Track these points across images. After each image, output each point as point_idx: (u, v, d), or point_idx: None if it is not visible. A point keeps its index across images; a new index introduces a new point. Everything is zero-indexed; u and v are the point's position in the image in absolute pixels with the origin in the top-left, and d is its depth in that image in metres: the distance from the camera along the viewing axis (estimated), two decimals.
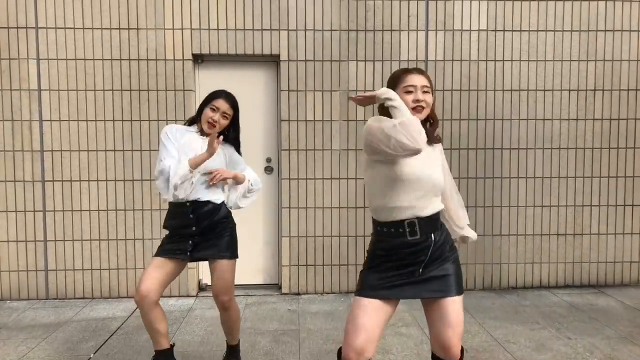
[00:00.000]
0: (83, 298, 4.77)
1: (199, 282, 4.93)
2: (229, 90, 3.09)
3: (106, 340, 3.78)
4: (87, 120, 4.69)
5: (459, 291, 2.23)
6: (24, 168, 4.66)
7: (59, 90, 4.65)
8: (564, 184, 4.96)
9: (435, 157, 2.27)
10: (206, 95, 3.05)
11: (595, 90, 4.92)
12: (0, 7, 4.56)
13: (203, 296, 4.81)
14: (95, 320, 4.22)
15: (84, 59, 4.66)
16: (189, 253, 2.98)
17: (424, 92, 2.19)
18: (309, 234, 4.85)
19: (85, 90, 4.68)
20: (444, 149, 2.59)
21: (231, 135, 3.13)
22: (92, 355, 3.52)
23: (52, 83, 4.64)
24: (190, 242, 2.98)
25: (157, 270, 2.91)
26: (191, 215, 2.97)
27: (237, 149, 3.19)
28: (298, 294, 4.87)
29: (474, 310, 4.36)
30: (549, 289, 4.95)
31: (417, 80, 2.19)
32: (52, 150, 4.67)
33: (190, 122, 3.13)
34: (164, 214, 4.64)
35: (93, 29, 4.64)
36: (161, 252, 2.99)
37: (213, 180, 2.93)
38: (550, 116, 4.91)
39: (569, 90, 4.91)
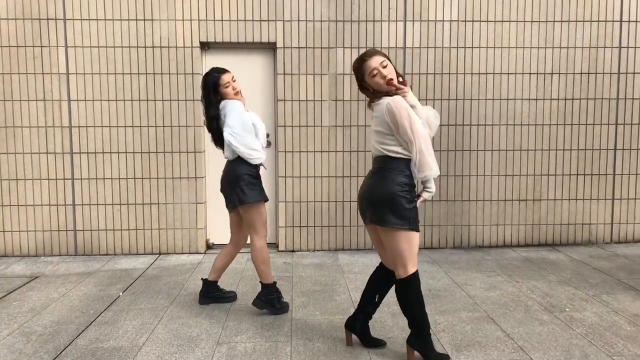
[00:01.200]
0: (107, 254, 5.51)
1: (207, 241, 5.67)
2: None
3: (131, 284, 4.53)
4: (109, 100, 5.39)
5: None
6: (55, 142, 5.37)
7: (85, 74, 5.34)
8: (525, 155, 5.65)
9: None
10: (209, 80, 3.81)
11: (552, 73, 5.59)
12: (33, 1, 5.24)
13: (210, 253, 5.54)
14: (120, 270, 4.97)
15: (106, 47, 5.34)
16: None
17: (384, 66, 2.83)
18: (302, 200, 5.57)
19: (107, 73, 5.36)
20: None
21: None
22: (121, 294, 4.27)
23: (78, 68, 5.33)
24: None
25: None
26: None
27: None
28: (293, 251, 5.60)
29: (442, 262, 5.10)
30: (511, 247, 5.68)
31: (373, 62, 2.83)
32: (79, 126, 5.38)
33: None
34: (176, 182, 5.42)
35: (114, 20, 5.32)
36: (263, 198, 3.83)
37: None
38: (513, 96, 5.58)
39: (530, 74, 5.57)
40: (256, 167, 3.79)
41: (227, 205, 3.86)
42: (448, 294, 4.20)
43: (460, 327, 3.51)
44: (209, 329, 3.53)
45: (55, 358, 3.11)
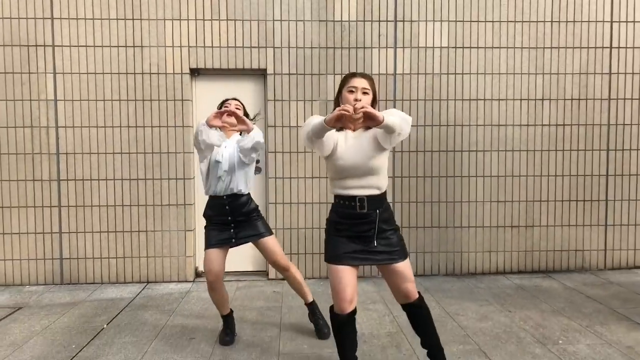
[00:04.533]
0: (93, 283, 5.42)
1: (196, 269, 5.58)
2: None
3: (116, 315, 4.43)
4: (97, 127, 5.34)
5: (404, 257, 2.90)
6: (41, 169, 5.31)
7: (73, 100, 5.31)
8: (517, 181, 5.63)
9: (362, 143, 2.82)
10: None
11: (543, 99, 5.59)
12: (22, 27, 5.22)
13: (199, 281, 5.45)
14: (106, 300, 4.87)
15: (95, 73, 5.31)
16: (234, 240, 3.74)
17: (364, 92, 2.83)
18: (293, 227, 5.51)
19: (96, 100, 5.33)
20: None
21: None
22: (105, 326, 4.17)
23: (66, 94, 5.30)
24: (232, 230, 3.73)
25: (216, 259, 3.67)
26: (227, 207, 3.72)
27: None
28: (283, 279, 5.51)
29: (434, 291, 5.02)
30: (504, 274, 5.61)
31: (358, 82, 2.84)
32: (66, 153, 5.32)
33: None
34: (164, 209, 5.36)
35: (103, 46, 5.30)
36: (214, 244, 3.69)
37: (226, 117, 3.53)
38: (504, 122, 5.57)
39: (520, 100, 5.57)
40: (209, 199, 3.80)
41: None
42: (439, 325, 4.09)
43: None
44: None
45: None
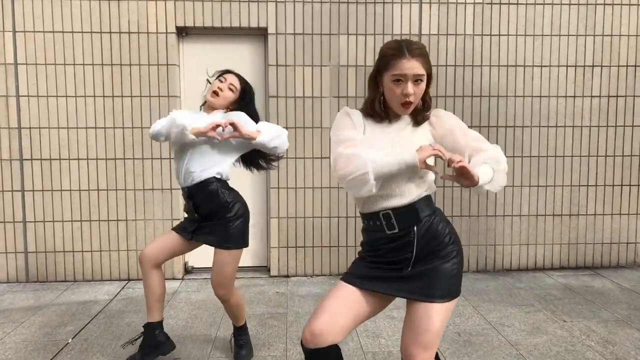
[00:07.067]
0: (65, 281, 4.63)
1: (185, 264, 4.79)
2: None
3: (86, 325, 3.64)
4: (66, 96, 4.51)
5: (443, 297, 1.93)
6: (0, 146, 4.48)
7: (37, 64, 4.46)
8: (560, 163, 4.85)
9: (407, 137, 1.98)
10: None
11: (593, 66, 4.79)
12: None
13: (189, 279, 4.68)
14: (76, 303, 4.08)
15: (63, 32, 4.46)
16: (191, 234, 2.90)
17: (416, 81, 1.91)
18: (298, 215, 4.72)
19: (65, 64, 4.49)
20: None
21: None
22: (70, 340, 3.38)
23: (29, 57, 4.45)
24: (196, 223, 2.91)
25: (163, 239, 2.95)
26: (191, 201, 2.90)
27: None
28: (287, 276, 4.74)
29: (467, 292, 4.25)
30: (544, 271, 4.85)
31: (407, 67, 1.88)
32: (30, 128, 4.49)
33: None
34: (147, 194, 4.58)
35: (72, 0, 4.44)
36: (175, 227, 3.00)
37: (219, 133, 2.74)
38: (546, 93, 4.79)
39: (567, 66, 4.78)
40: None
41: None
42: (483, 340, 3.34)
43: None
44: None
45: None
